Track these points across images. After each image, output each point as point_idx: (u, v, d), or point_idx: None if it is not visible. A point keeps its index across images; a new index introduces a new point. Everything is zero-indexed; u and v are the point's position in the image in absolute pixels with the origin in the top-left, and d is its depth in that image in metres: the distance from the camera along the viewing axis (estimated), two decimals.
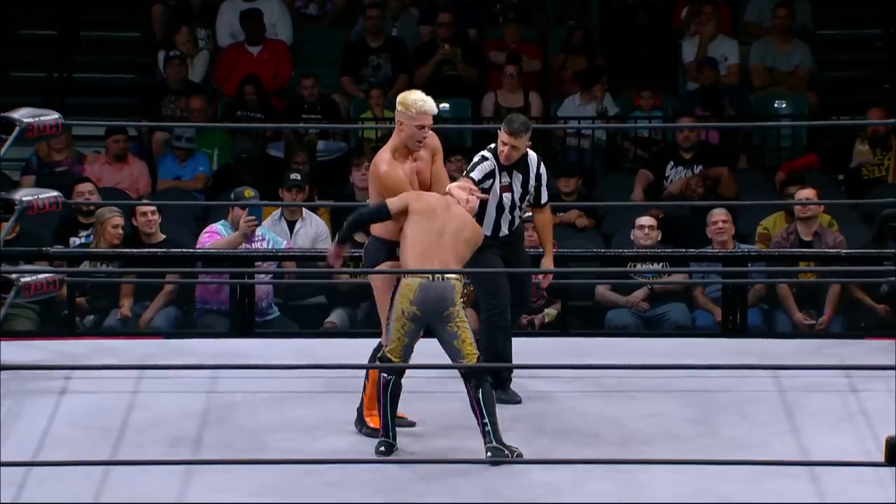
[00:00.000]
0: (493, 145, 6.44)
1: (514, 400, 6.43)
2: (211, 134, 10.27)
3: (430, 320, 5.76)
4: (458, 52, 10.64)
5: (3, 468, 5.42)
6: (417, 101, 5.95)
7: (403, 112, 5.97)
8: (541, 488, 5.54)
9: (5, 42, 11.18)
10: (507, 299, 6.40)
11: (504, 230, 6.48)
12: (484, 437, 5.72)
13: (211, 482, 5.55)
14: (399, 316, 5.76)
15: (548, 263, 6.53)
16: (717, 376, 6.49)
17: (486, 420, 5.70)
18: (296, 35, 11.02)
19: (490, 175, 6.39)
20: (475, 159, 6.44)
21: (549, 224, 6.58)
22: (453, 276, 5.74)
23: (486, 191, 6.35)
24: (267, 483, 5.55)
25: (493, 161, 6.41)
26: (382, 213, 5.87)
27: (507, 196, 6.43)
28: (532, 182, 6.45)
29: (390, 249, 5.93)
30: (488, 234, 6.36)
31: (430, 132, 6.03)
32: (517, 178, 6.43)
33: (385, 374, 5.79)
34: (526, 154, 6.44)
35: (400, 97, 6.01)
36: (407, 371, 5.88)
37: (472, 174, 6.36)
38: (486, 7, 11.22)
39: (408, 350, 5.82)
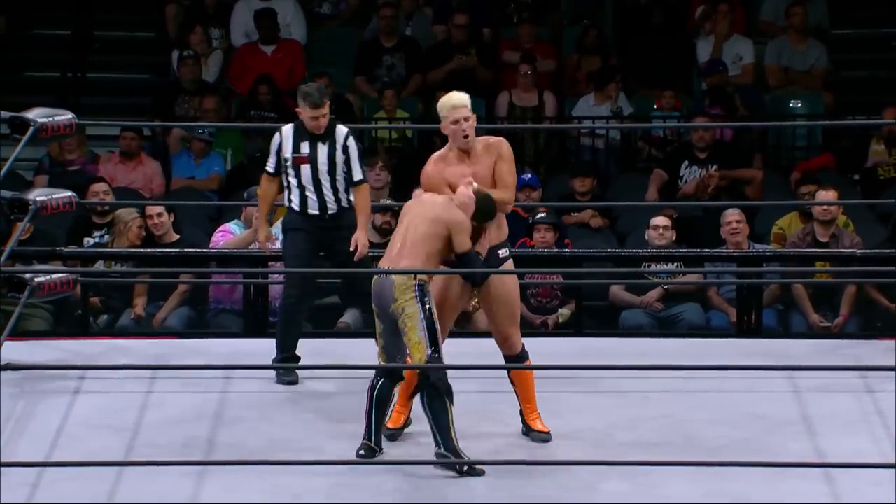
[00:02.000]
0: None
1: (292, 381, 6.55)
2: (225, 134, 10.25)
3: (386, 318, 5.74)
4: (472, 52, 10.61)
5: (17, 468, 5.42)
6: (444, 99, 5.92)
7: (441, 116, 5.92)
8: (554, 489, 5.52)
9: (20, 42, 11.18)
10: (307, 289, 6.60)
11: (313, 208, 6.55)
12: (434, 442, 5.67)
13: (224, 483, 5.53)
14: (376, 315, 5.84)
15: (361, 236, 6.60)
16: (731, 377, 6.46)
17: (433, 427, 5.65)
18: (309, 34, 11.00)
19: (279, 149, 6.58)
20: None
21: (366, 204, 6.62)
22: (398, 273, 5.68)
23: (286, 167, 6.53)
24: (280, 484, 5.53)
25: (288, 133, 6.56)
26: None
27: (305, 168, 6.52)
28: (339, 154, 6.54)
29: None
30: (297, 209, 6.52)
31: (496, 138, 5.98)
32: (322, 150, 6.54)
33: (373, 378, 5.76)
34: (335, 126, 6.56)
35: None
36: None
37: (266, 165, 6.61)
38: (501, 7, 11.19)
39: (389, 351, 5.75)
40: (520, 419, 6.04)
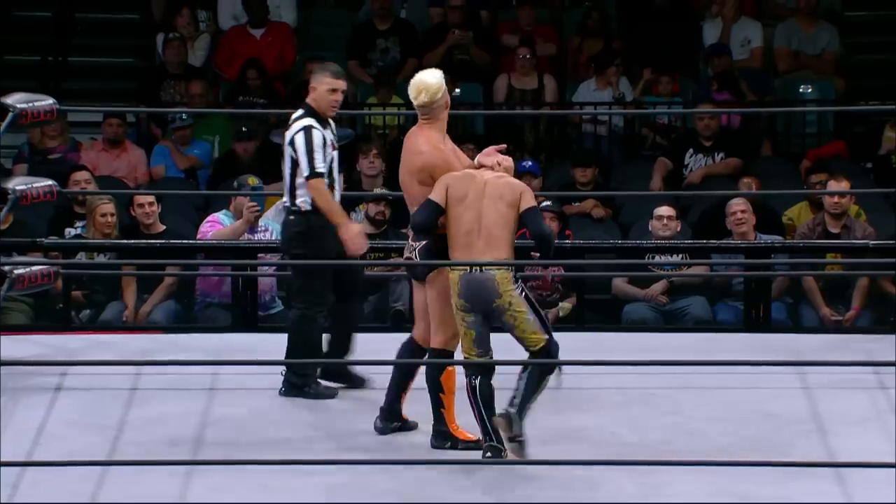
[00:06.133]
0: (304, 122, 6.22)
1: (328, 394, 6.33)
2: (212, 120, 10.20)
3: (482, 311, 5.64)
4: (469, 36, 10.50)
5: None
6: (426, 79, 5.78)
7: (439, 97, 5.76)
8: (557, 489, 5.44)
9: None
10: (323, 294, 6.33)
11: (338, 197, 6.35)
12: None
13: (212, 482, 5.46)
14: (456, 310, 5.69)
15: None
16: (739, 373, 6.38)
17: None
18: (300, 17, 10.94)
19: (324, 144, 6.26)
20: (305, 140, 6.20)
21: None
22: (495, 265, 5.60)
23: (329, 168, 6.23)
24: (270, 484, 5.45)
25: (319, 126, 6.26)
26: (432, 210, 5.68)
27: (336, 154, 6.35)
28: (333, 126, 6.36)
29: (439, 249, 5.73)
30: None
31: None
32: (329, 132, 6.34)
33: (468, 379, 5.65)
34: None
35: (424, 88, 5.75)
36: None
37: (316, 164, 6.20)
38: None
39: (481, 342, 5.67)
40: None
